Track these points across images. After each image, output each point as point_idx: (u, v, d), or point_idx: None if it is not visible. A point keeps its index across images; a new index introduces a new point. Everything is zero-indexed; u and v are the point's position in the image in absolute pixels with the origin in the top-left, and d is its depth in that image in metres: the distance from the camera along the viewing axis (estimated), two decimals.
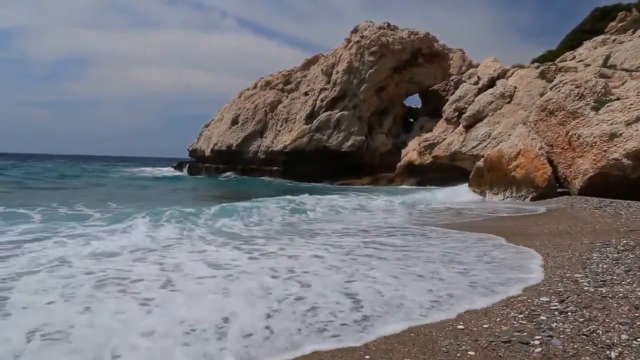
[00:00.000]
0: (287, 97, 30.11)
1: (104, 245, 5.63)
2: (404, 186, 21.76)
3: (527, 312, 3.04)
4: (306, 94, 29.28)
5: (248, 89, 32.84)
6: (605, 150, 11.49)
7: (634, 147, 10.76)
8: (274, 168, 27.95)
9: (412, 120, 29.57)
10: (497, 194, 14.40)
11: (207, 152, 32.12)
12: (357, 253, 5.32)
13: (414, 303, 3.39)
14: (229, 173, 29.27)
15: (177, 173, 35.32)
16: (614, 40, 20.48)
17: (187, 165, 35.36)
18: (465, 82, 23.62)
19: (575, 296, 3.28)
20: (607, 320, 2.76)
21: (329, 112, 27.37)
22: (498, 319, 2.98)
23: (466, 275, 4.20)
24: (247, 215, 8.58)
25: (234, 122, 30.57)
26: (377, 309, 3.26)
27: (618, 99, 12.79)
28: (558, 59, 22.85)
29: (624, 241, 5.26)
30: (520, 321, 2.89)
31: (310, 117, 27.80)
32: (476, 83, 22.83)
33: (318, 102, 27.94)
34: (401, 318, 3.10)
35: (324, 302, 3.41)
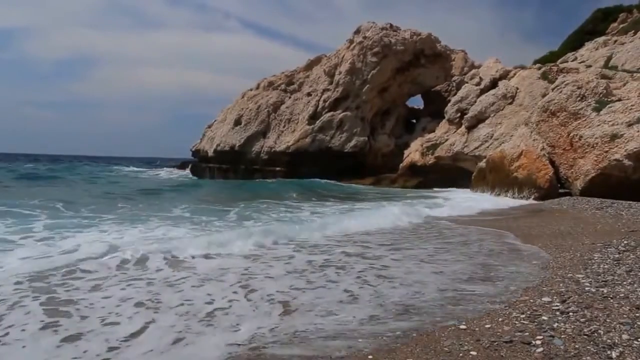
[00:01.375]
0: (289, 97, 30.16)
1: None
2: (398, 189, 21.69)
3: (528, 313, 3.06)
4: (309, 94, 29.33)
5: (251, 90, 32.89)
6: (606, 151, 11.51)
7: (635, 148, 10.77)
8: (277, 168, 27.99)
9: (414, 121, 29.58)
10: (499, 194, 14.43)
11: (210, 153, 32.20)
12: None
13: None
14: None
15: (181, 173, 35.43)
16: (615, 41, 20.47)
17: (190, 166, 35.50)
18: (467, 83, 23.62)
19: (576, 296, 3.30)
20: (608, 320, 2.78)
21: (331, 113, 27.42)
22: (500, 319, 3.01)
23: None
24: None
25: (237, 122, 30.62)
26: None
27: (619, 100, 12.80)
28: (560, 60, 22.85)
29: (625, 242, 5.28)
30: (522, 321, 2.92)
31: (313, 117, 27.86)
32: (478, 84, 22.83)
33: (321, 102, 27.99)
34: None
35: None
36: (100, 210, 9.36)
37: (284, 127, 29.22)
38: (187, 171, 34.61)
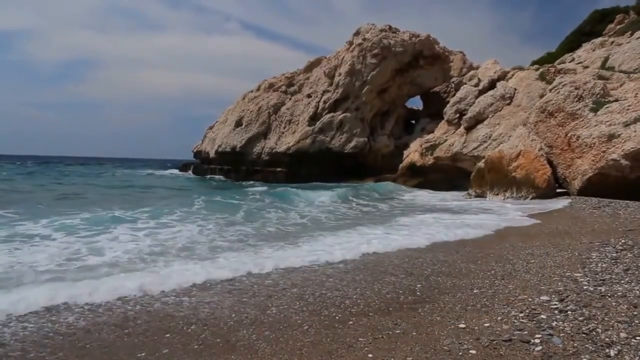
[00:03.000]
0: (290, 99, 30.26)
1: None
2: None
3: (527, 311, 3.09)
4: (309, 96, 29.41)
5: (252, 91, 32.99)
6: (604, 151, 11.56)
7: (632, 148, 10.82)
8: (278, 169, 28.09)
9: (413, 121, 29.69)
10: (497, 194, 14.49)
11: (212, 154, 32.32)
12: None
13: None
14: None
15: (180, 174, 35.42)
16: (612, 42, 20.54)
17: (192, 167, 35.63)
18: (465, 84, 23.70)
19: (574, 295, 3.34)
20: (606, 318, 2.80)
21: (331, 114, 27.51)
22: (499, 318, 3.04)
23: None
24: None
25: (238, 123, 30.74)
26: None
27: (616, 100, 12.86)
28: (557, 61, 22.91)
29: (623, 241, 5.33)
30: (520, 320, 2.95)
31: (313, 118, 27.95)
32: (477, 85, 22.91)
33: (321, 104, 28.09)
34: None
35: None
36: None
37: (284, 128, 29.32)
38: (190, 173, 34.72)
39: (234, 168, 29.87)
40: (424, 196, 16.93)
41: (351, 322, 3.21)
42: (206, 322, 3.30)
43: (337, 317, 3.33)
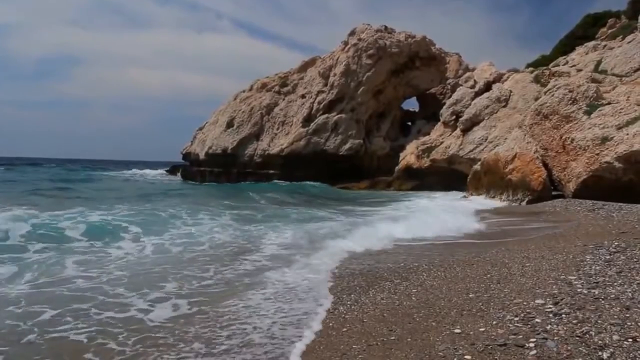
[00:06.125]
0: (283, 99, 30.11)
1: None
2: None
3: (522, 315, 3.09)
4: (303, 96, 29.32)
5: (244, 91, 32.74)
6: (597, 154, 11.65)
7: (625, 150, 10.92)
8: (271, 172, 27.90)
9: (409, 123, 29.79)
10: (493, 197, 14.57)
11: (202, 156, 31.87)
12: None
13: None
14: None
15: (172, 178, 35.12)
16: (605, 46, 20.81)
17: (181, 170, 35.21)
18: (461, 85, 23.86)
19: (569, 298, 3.34)
20: (599, 321, 2.81)
21: (326, 115, 27.46)
22: (494, 322, 3.03)
23: None
24: None
25: (229, 125, 30.41)
26: None
27: (609, 103, 13.00)
28: (551, 64, 23.15)
29: (616, 243, 5.36)
30: (515, 324, 2.94)
31: (308, 120, 27.85)
32: (472, 87, 23.07)
33: (315, 104, 28.01)
34: None
35: None
36: None
37: (277, 129, 29.16)
38: (178, 176, 34.37)
39: (225, 171, 29.50)
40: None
41: (345, 329, 3.19)
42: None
43: (330, 324, 3.31)
